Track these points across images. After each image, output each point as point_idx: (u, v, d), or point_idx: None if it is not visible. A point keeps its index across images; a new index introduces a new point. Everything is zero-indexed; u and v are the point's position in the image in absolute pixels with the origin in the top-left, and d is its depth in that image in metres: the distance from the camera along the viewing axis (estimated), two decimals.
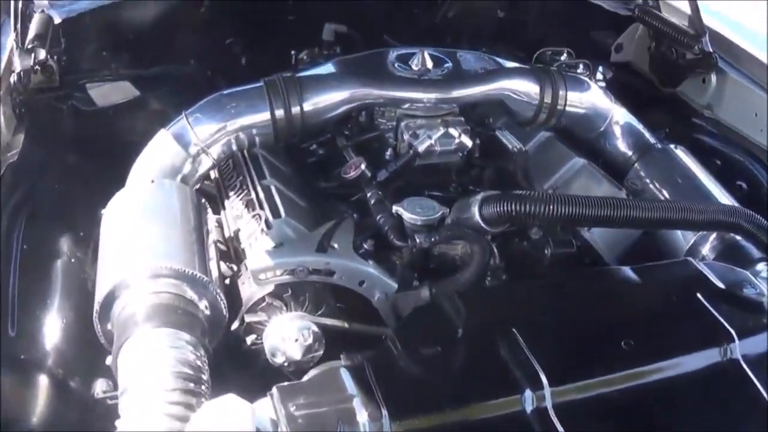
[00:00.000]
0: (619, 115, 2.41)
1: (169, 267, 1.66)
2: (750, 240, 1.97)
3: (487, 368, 1.49)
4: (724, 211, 1.94)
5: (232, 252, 2.02)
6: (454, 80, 2.21)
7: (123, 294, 1.64)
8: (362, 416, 1.33)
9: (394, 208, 1.93)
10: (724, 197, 2.23)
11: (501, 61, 2.36)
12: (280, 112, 2.07)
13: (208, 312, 1.68)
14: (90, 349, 1.81)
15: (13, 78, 2.19)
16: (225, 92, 2.12)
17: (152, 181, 1.99)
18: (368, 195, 2.06)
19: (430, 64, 2.20)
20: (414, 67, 2.20)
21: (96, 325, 1.67)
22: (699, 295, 1.68)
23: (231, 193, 2.18)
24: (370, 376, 1.41)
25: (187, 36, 2.64)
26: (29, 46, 2.20)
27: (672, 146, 2.38)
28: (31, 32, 2.24)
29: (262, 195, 2.08)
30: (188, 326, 1.57)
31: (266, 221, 1.97)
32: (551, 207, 1.77)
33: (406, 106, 2.19)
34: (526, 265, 2.12)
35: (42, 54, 2.20)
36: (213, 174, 2.28)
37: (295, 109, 2.08)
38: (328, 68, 2.22)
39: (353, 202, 2.17)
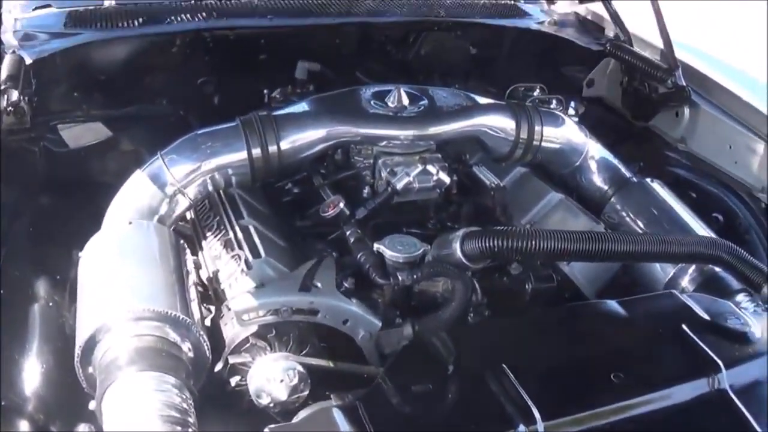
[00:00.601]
0: (594, 150, 2.47)
1: (151, 309, 1.66)
2: (730, 272, 2.01)
3: (480, 404, 1.50)
4: (705, 244, 1.98)
5: (212, 293, 2.01)
6: (430, 117, 2.25)
7: (105, 337, 1.64)
8: None
9: (375, 245, 1.93)
10: (701, 229, 2.28)
11: (475, 97, 2.40)
12: (257, 151, 2.09)
13: (191, 354, 1.68)
14: (71, 394, 1.80)
15: None
16: (200, 132, 2.13)
17: (130, 223, 1.99)
18: (347, 233, 2.07)
19: (406, 101, 2.24)
20: (390, 104, 2.23)
21: (78, 369, 1.67)
22: (685, 327, 1.71)
23: (208, 234, 2.18)
24: (362, 416, 1.42)
25: (158, 76, 2.64)
26: (1, 88, 2.19)
27: (648, 180, 2.43)
28: (3, 73, 2.24)
29: (240, 235, 2.08)
30: (173, 369, 1.57)
31: (246, 261, 1.97)
32: (533, 242, 1.79)
33: (383, 143, 2.21)
34: (507, 301, 2.14)
35: (15, 95, 2.19)
36: (189, 215, 2.28)
37: (272, 148, 2.10)
38: (304, 106, 2.24)
39: (331, 240, 2.18)
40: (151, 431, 1.40)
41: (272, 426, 1.43)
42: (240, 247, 2.03)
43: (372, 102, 2.25)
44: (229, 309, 1.86)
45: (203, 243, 2.17)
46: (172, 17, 2.63)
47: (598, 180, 2.46)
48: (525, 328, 1.79)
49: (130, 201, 2.06)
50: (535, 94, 2.66)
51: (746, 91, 2.63)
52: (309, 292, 1.83)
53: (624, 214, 2.38)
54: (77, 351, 1.65)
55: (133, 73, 2.59)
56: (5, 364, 1.79)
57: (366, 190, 2.23)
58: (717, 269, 2.11)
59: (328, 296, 1.85)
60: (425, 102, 2.28)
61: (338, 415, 1.43)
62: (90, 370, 1.67)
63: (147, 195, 2.05)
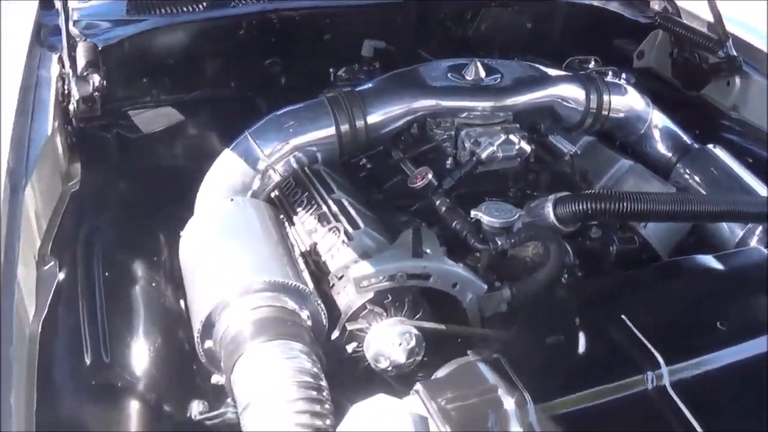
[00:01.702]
0: (657, 118, 2.63)
1: (268, 281, 1.77)
2: None
3: (608, 353, 1.64)
4: None
5: (312, 265, 2.12)
6: (508, 88, 2.39)
7: (225, 312, 1.74)
8: (509, 404, 1.45)
9: (472, 212, 2.06)
10: (765, 192, 2.42)
11: (543, 69, 2.55)
12: (345, 127, 2.22)
13: (309, 323, 1.78)
14: (179, 372, 1.92)
15: (72, 106, 2.28)
16: (285, 111, 2.26)
17: (231, 200, 2.12)
18: (437, 203, 2.18)
19: (483, 74, 2.38)
20: (468, 77, 2.37)
21: (197, 345, 1.77)
22: None
23: (299, 210, 2.29)
24: (506, 367, 1.55)
25: (226, 59, 2.77)
26: (84, 74, 2.29)
27: (710, 146, 2.59)
28: (81, 60, 2.33)
29: (335, 208, 2.20)
30: (298, 336, 1.66)
31: (346, 233, 2.09)
32: (625, 204, 1.92)
33: (464, 115, 2.34)
34: (593, 263, 2.26)
35: (97, 80, 2.28)
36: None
37: (359, 123, 2.24)
38: (385, 82, 2.39)
39: (414, 211, 2.30)
40: (287, 398, 1.47)
41: (423, 381, 1.54)
42: (337, 220, 2.15)
43: (449, 75, 2.39)
44: (339, 278, 1.98)
45: (294, 219, 2.29)
46: (236, 0, 2.75)
47: (662, 147, 2.63)
48: (631, 284, 1.94)
49: (222, 179, 2.19)
50: (591, 66, 2.81)
51: None
52: (422, 258, 1.95)
53: (690, 179, 2.55)
54: (198, 326, 1.75)
55: (201, 56, 2.72)
56: (118, 345, 1.90)
57: (449, 161, 2.35)
58: None
59: (439, 261, 1.96)
60: (500, 74, 2.42)
61: (483, 368, 1.54)
62: (207, 344, 1.77)
63: (239, 172, 2.18)
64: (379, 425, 1.42)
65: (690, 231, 2.46)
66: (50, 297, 1.85)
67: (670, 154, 2.61)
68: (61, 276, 1.96)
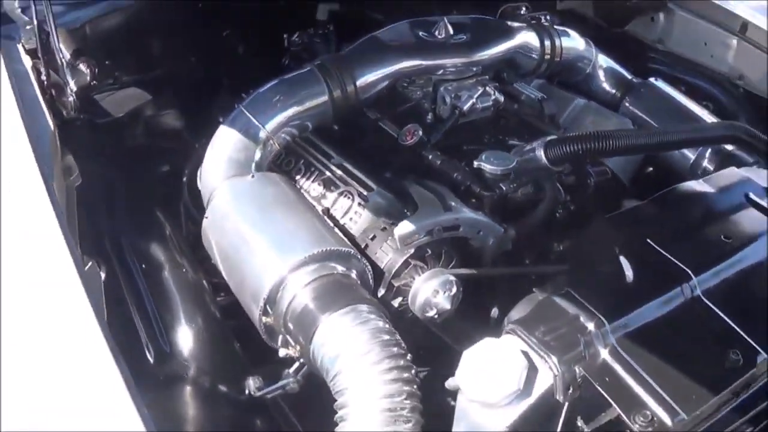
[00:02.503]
0: (600, 58, 2.94)
1: (317, 252, 1.92)
2: (745, 148, 2.54)
3: (649, 272, 1.88)
4: (725, 127, 2.50)
5: None
6: (478, 43, 2.62)
7: (283, 290, 1.88)
8: (591, 327, 1.71)
9: (475, 162, 2.26)
10: (708, 117, 2.77)
11: (500, 21, 2.80)
12: (337, 93, 2.38)
13: (359, 282, 1.96)
14: (224, 353, 2.06)
15: (71, 99, 2.32)
16: (273, 83, 2.38)
17: (252, 176, 2.23)
18: (430, 157, 2.36)
19: (451, 31, 2.59)
20: (438, 36, 2.58)
21: (258, 323, 1.92)
22: (750, 194, 2.19)
23: (298, 177, 2.42)
24: (576, 297, 1.78)
25: (185, 34, 2.83)
26: (76, 63, 2.33)
27: (652, 79, 2.92)
28: (67, 48, 2.37)
29: (339, 172, 2.36)
30: (360, 298, 1.83)
31: (360, 195, 2.25)
32: (609, 142, 2.16)
33: (440, 72, 2.56)
34: (573, 196, 2.49)
35: (89, 67, 2.34)
36: None
37: (350, 88, 2.40)
38: (366, 45, 2.54)
39: (398, 168, 2.44)
40: (371, 361, 1.62)
41: (513, 321, 1.75)
42: (346, 183, 2.31)
43: (421, 34, 2.58)
44: (371, 239, 2.13)
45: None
46: None
47: (607, 85, 2.95)
48: (644, 214, 2.18)
49: (224, 155, 2.28)
50: (522, 12, 3.06)
51: None
52: (452, 211, 2.15)
53: (638, 112, 2.87)
54: (260, 304, 1.89)
55: (161, 34, 2.77)
56: (171, 336, 2.03)
57: (429, 117, 2.54)
58: (729, 149, 2.62)
59: (467, 212, 2.16)
60: (465, 30, 2.63)
61: (560, 301, 1.77)
62: (265, 319, 1.91)
63: (240, 147, 2.28)
64: (494, 364, 1.62)
65: (646, 160, 2.79)
66: (103, 297, 1.87)
67: (614, 91, 2.93)
68: (103, 275, 2.01)
